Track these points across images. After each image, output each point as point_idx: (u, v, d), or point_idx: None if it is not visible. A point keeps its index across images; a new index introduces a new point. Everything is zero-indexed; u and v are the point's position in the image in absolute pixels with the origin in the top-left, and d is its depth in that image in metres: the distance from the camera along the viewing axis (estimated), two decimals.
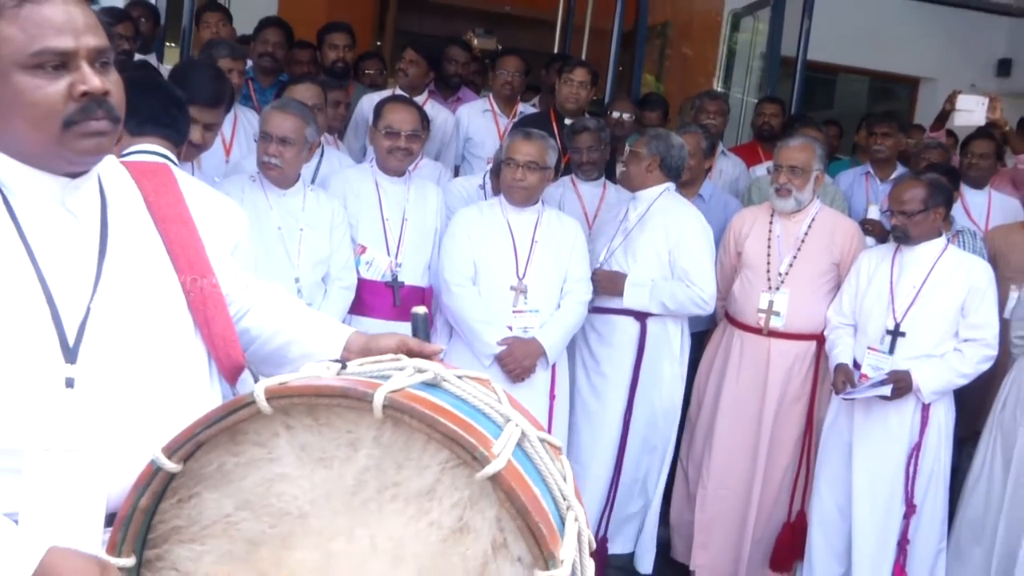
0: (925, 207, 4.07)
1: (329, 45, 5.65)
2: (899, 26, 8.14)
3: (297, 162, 3.83)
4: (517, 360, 4.00)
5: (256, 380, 1.83)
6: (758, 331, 4.47)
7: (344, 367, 1.53)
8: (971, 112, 5.63)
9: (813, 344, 4.45)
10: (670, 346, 4.45)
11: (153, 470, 1.39)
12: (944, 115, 5.98)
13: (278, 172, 3.80)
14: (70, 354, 1.46)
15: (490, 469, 1.31)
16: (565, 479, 1.52)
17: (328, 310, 3.77)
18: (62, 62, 1.42)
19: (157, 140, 2.94)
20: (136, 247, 1.60)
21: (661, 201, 4.44)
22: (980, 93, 5.87)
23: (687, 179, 4.98)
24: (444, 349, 1.74)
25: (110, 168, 1.64)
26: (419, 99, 5.11)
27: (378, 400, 1.33)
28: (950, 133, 6.21)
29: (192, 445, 1.40)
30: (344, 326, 1.86)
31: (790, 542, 4.45)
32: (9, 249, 1.45)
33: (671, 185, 4.50)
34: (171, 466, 1.39)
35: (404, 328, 3.94)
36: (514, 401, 1.60)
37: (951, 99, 5.79)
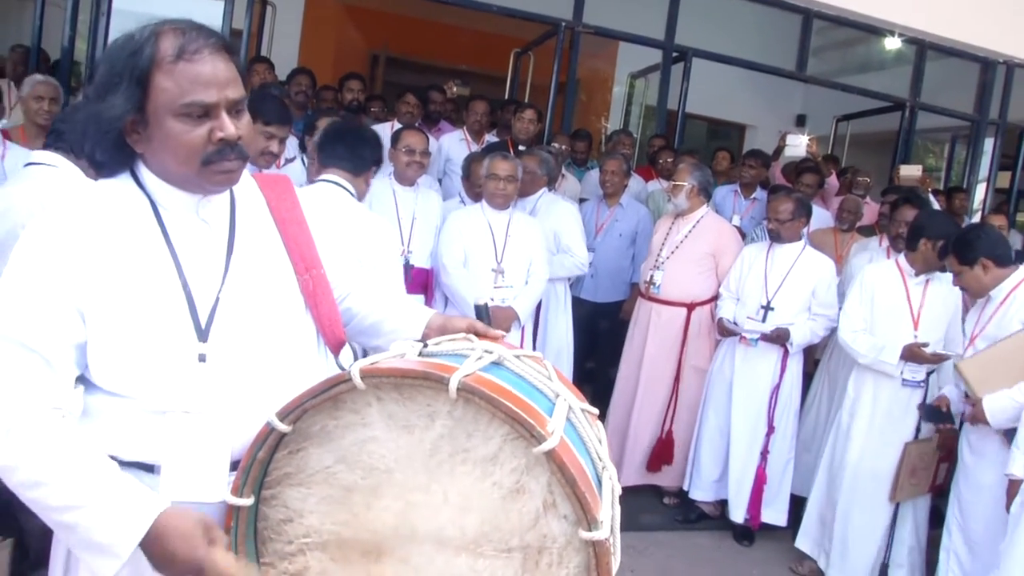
0: (793, 216, 4.04)
1: (347, 89, 5.49)
2: (732, 86, 8.09)
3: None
4: (498, 323, 3.82)
5: (355, 354, 1.66)
6: (645, 296, 4.44)
7: (425, 346, 1.36)
8: (797, 147, 5.68)
9: (683, 310, 4.35)
10: None
11: (268, 430, 1.25)
12: (778, 150, 5.97)
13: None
14: (202, 334, 1.31)
15: (545, 446, 1.15)
16: (601, 442, 1.35)
17: None
18: (205, 112, 1.25)
19: (338, 172, 2.91)
20: (259, 244, 1.43)
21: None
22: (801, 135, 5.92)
23: (612, 191, 4.87)
24: (506, 335, 1.51)
25: (242, 181, 1.46)
26: None
27: (453, 384, 1.17)
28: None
29: (300, 411, 1.24)
30: (426, 308, 1.66)
31: (661, 451, 4.38)
32: (157, 250, 1.31)
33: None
34: (283, 427, 1.25)
35: (414, 300, 3.84)
36: (560, 375, 1.42)
37: (783, 138, 5.79)
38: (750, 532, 4.13)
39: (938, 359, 3.46)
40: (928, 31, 6.55)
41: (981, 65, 6.97)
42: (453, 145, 5.26)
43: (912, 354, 3.47)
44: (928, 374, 3.54)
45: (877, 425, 3.59)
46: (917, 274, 3.57)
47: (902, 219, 4.05)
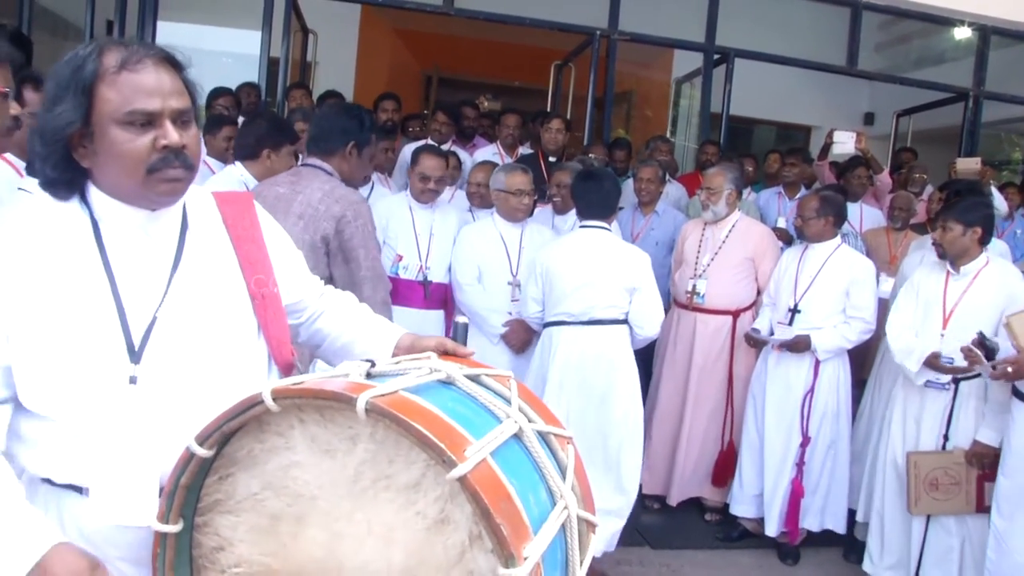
0: (817, 214, 3.86)
1: (381, 109, 5.47)
2: (793, 88, 7.87)
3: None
4: (519, 337, 3.75)
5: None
6: (687, 307, 4.25)
7: (373, 365, 1.29)
8: (845, 143, 5.45)
9: (729, 318, 4.18)
10: None
11: (188, 455, 1.20)
12: (826, 148, 5.72)
13: None
14: (135, 356, 1.28)
15: (456, 472, 1.05)
16: (565, 471, 1.26)
17: None
18: (149, 120, 1.26)
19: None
20: (210, 262, 1.39)
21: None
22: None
23: (647, 200, 4.74)
24: (475, 352, 1.49)
25: (199, 198, 1.44)
26: (445, 146, 4.93)
27: (360, 404, 1.09)
28: (833, 164, 5.93)
29: (219, 435, 1.19)
30: (397, 327, 1.62)
31: (724, 464, 4.20)
32: (91, 269, 1.28)
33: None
34: (202, 452, 1.19)
35: (434, 314, 3.79)
36: (528, 395, 1.34)
37: (830, 135, 5.56)
38: (795, 551, 3.91)
39: (954, 370, 3.22)
40: (990, 15, 6.22)
41: None
42: (487, 160, 5.17)
43: (932, 365, 3.27)
44: (958, 380, 3.27)
45: (910, 429, 3.38)
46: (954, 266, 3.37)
47: None
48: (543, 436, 1.28)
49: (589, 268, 3.43)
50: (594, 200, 3.54)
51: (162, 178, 1.27)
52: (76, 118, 1.23)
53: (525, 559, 1.06)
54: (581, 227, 3.58)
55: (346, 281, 2.54)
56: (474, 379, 1.31)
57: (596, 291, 3.42)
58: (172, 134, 1.26)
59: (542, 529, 1.13)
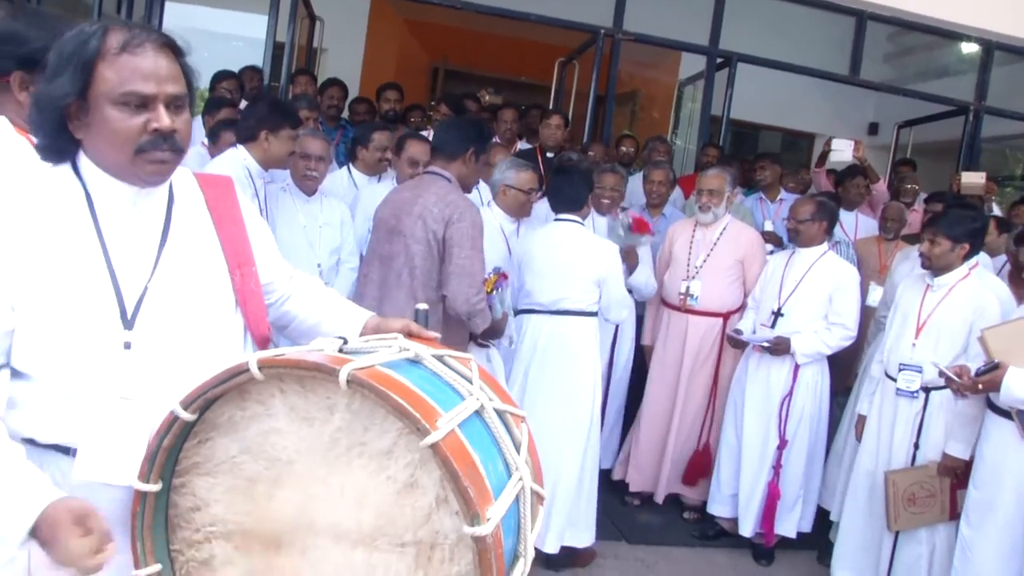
0: (812, 218, 3.94)
1: (384, 99, 5.55)
2: (799, 95, 7.94)
3: (326, 174, 3.75)
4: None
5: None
6: (679, 308, 4.30)
7: (345, 342, 1.37)
8: (842, 151, 5.54)
9: (720, 320, 4.26)
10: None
11: (172, 418, 1.27)
12: (824, 155, 5.80)
13: (315, 182, 3.68)
14: (128, 323, 1.35)
15: (429, 439, 1.15)
16: (520, 445, 1.35)
17: (340, 285, 3.64)
18: (143, 102, 1.31)
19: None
20: (194, 239, 1.47)
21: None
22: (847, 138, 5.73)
23: (657, 202, 4.85)
24: (439, 336, 1.55)
25: (183, 179, 1.52)
26: None
27: (342, 376, 1.18)
28: (830, 171, 5.99)
29: (203, 400, 1.27)
30: (364, 311, 1.69)
31: (698, 464, 4.28)
32: (86, 239, 1.35)
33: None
34: (186, 415, 1.27)
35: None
36: (487, 376, 1.43)
37: (828, 143, 5.64)
38: (770, 552, 3.98)
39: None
40: (996, 31, 6.28)
41: None
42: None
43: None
44: (928, 389, 3.34)
45: (884, 437, 3.45)
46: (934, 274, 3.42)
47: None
48: (500, 414, 1.37)
49: (560, 259, 3.55)
50: (564, 194, 3.68)
51: (149, 159, 1.33)
52: (73, 91, 1.29)
53: (488, 519, 1.15)
54: (556, 220, 3.72)
55: (443, 275, 2.89)
56: (439, 359, 1.39)
57: (566, 282, 3.55)
58: (164, 118, 1.31)
59: (501, 496, 1.22)
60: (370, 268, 3.10)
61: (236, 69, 5.28)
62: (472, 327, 3.00)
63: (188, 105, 1.39)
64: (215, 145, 3.92)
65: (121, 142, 1.31)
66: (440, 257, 2.91)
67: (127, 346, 1.34)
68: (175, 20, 5.29)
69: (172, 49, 1.36)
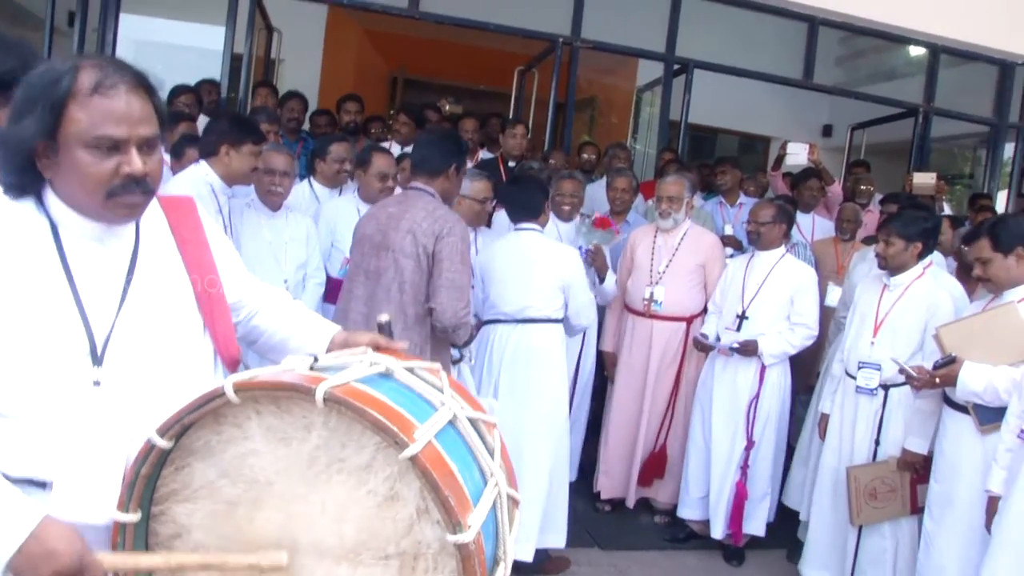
0: (773, 220, 4.02)
1: (344, 111, 5.54)
2: (755, 100, 8.07)
3: (291, 189, 3.73)
4: None
5: None
6: (643, 314, 4.35)
7: (316, 360, 1.37)
8: (798, 155, 5.67)
9: (684, 324, 4.32)
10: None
11: (149, 447, 1.27)
12: (780, 159, 5.93)
13: (280, 198, 3.66)
14: (97, 359, 1.33)
15: (408, 452, 1.17)
16: (493, 452, 1.38)
17: (307, 300, 3.63)
18: (115, 145, 1.28)
19: None
20: (160, 267, 1.45)
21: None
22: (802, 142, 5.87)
23: (621, 208, 4.88)
24: (406, 346, 1.56)
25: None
26: (408, 148, 4.95)
27: (319, 394, 1.19)
28: (786, 174, 6.13)
29: (179, 427, 1.27)
30: (332, 324, 1.70)
31: (653, 465, 4.33)
32: (53, 275, 1.33)
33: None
34: (163, 443, 1.27)
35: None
36: (456, 386, 1.46)
37: (783, 146, 5.76)
38: (740, 552, 4.05)
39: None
40: (942, 35, 6.49)
41: (999, 68, 6.85)
42: None
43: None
44: (887, 387, 3.44)
45: (846, 434, 3.54)
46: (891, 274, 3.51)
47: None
48: (473, 422, 1.39)
49: (522, 268, 3.59)
50: (521, 203, 3.73)
51: (121, 203, 1.31)
52: (41, 132, 1.26)
53: (470, 527, 1.17)
54: (515, 230, 3.76)
55: (432, 288, 2.92)
56: (410, 371, 1.41)
57: (529, 290, 3.58)
58: (136, 162, 1.29)
59: (480, 503, 1.25)
60: (354, 284, 3.07)
61: (192, 81, 5.22)
62: (455, 339, 3.02)
63: (160, 144, 1.37)
64: (178, 161, 3.88)
65: (92, 185, 1.29)
66: (429, 271, 2.93)
67: (96, 383, 1.32)
68: (130, 32, 5.23)
69: (145, 88, 1.33)
